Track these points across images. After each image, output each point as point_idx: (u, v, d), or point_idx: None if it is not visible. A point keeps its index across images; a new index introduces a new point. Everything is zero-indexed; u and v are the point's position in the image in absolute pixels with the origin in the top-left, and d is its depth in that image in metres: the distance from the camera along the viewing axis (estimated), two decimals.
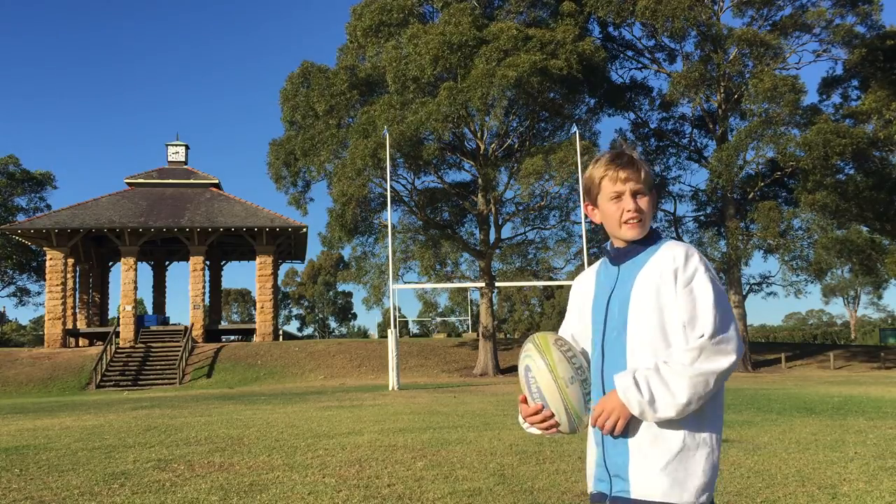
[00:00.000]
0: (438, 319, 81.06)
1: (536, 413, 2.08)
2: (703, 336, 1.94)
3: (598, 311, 2.17)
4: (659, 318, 2.03)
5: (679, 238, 37.02)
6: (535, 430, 2.14)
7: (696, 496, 1.95)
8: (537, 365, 2.08)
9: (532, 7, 32.81)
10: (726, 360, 1.93)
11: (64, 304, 37.38)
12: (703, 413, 1.99)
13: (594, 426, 2.05)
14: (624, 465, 2.01)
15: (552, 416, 2.06)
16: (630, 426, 2.00)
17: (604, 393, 2.06)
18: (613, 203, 2.17)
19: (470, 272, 36.45)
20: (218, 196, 41.47)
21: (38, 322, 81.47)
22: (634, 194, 2.15)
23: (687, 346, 1.96)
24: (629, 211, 2.14)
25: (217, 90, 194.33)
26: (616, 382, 1.99)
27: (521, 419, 2.15)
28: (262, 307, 39.00)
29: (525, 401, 2.12)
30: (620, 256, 2.18)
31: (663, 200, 37.09)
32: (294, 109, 32.98)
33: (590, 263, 32.88)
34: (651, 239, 2.16)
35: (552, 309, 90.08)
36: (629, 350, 2.05)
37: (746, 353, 33.58)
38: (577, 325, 2.27)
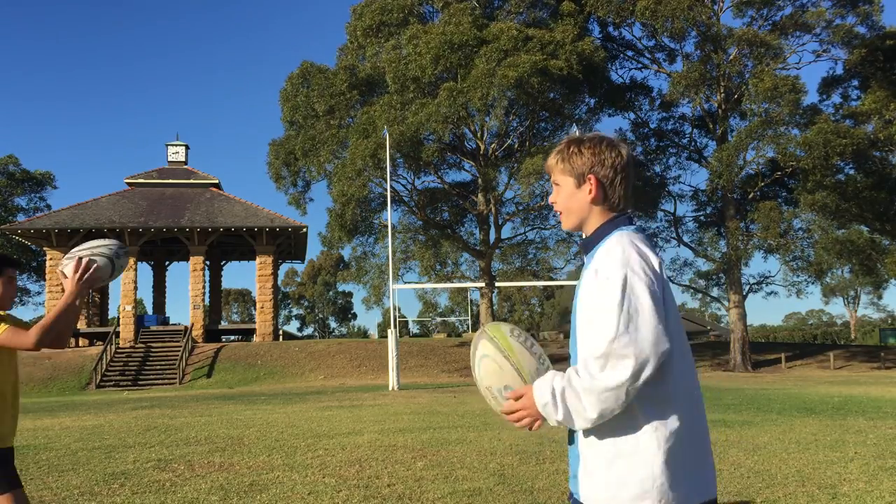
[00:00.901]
0: (438, 319, 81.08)
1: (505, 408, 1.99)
2: (603, 343, 1.82)
3: (574, 309, 2.07)
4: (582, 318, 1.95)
5: (679, 238, 37.04)
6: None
7: (630, 503, 1.83)
8: (495, 355, 2.01)
9: (532, 7, 32.82)
10: (627, 368, 1.78)
11: None
12: (634, 417, 1.85)
13: (504, 415, 1.97)
14: (576, 466, 1.97)
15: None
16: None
17: None
18: None
19: (470, 272, 36.47)
20: (218, 196, 41.48)
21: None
22: (556, 184, 2.07)
23: (592, 353, 1.85)
24: (552, 203, 2.09)
25: (217, 90, 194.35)
26: (535, 393, 1.89)
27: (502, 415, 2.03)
28: (262, 307, 39.01)
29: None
30: (584, 248, 2.05)
31: (663, 201, 37.05)
32: (294, 109, 32.99)
33: None
34: (605, 231, 1.99)
35: (552, 309, 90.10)
36: (577, 351, 1.97)
37: (746, 353, 33.57)
38: None
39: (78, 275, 3.07)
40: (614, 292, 1.83)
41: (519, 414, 1.93)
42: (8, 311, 3.32)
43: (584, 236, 2.06)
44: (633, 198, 2.03)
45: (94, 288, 3.23)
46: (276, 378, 31.88)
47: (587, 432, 1.91)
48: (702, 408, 1.96)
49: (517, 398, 1.94)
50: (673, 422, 1.85)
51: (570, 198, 2.03)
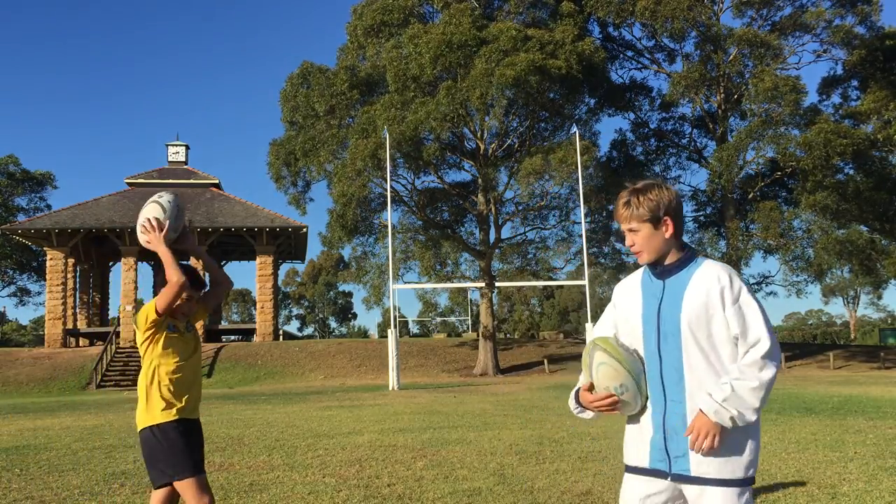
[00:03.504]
0: (438, 319, 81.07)
1: (604, 399, 2.46)
2: (760, 348, 2.35)
3: (648, 321, 2.49)
4: (707, 329, 2.39)
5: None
6: (589, 414, 2.58)
7: (745, 471, 2.37)
8: (611, 362, 2.45)
9: (532, 7, 32.80)
10: (776, 367, 2.37)
11: (64, 303, 37.39)
12: None
13: (692, 449, 2.40)
14: (685, 450, 2.40)
15: (618, 400, 2.45)
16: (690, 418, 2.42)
17: (664, 393, 2.45)
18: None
19: (470, 272, 36.47)
20: (218, 196, 41.48)
21: (39, 322, 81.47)
22: (631, 230, 2.50)
23: (748, 358, 2.36)
24: (629, 246, 2.54)
25: (217, 90, 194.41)
26: (705, 409, 2.36)
27: (572, 404, 2.59)
28: (263, 307, 39.01)
29: (589, 389, 2.51)
30: (664, 273, 2.49)
31: None
32: (294, 110, 32.98)
33: (589, 263, 32.92)
34: (688, 258, 2.48)
35: (552, 309, 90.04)
36: (684, 354, 2.41)
37: None
38: (619, 329, 2.61)
39: (151, 235, 3.40)
40: (756, 306, 2.37)
41: (701, 436, 2.37)
42: (176, 320, 3.64)
43: (660, 265, 2.51)
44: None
45: (173, 237, 3.53)
46: (276, 378, 31.89)
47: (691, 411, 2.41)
48: None
49: (692, 427, 2.40)
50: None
51: (650, 239, 2.47)
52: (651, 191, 2.45)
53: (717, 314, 2.39)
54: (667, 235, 2.45)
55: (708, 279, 2.41)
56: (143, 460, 3.47)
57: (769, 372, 2.34)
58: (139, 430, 3.45)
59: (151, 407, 3.41)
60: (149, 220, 3.43)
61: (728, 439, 2.36)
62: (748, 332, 2.36)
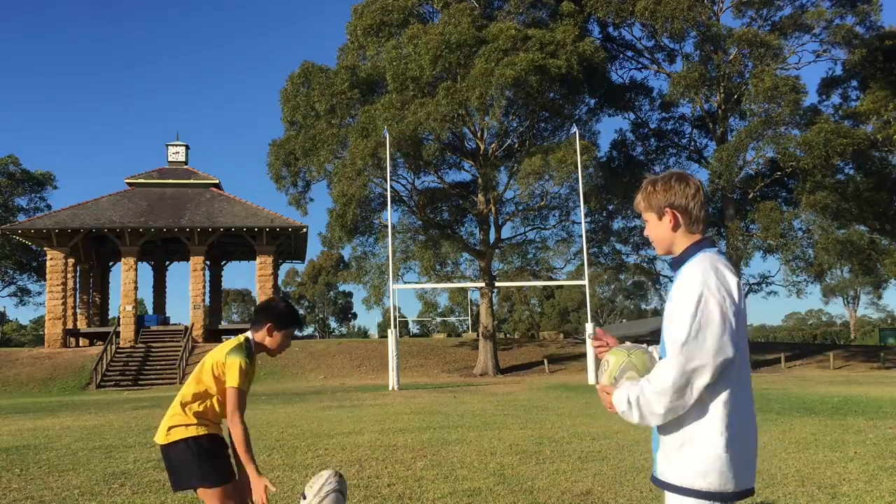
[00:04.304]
0: (438, 319, 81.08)
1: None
2: (674, 344, 2.21)
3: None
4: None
5: None
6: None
7: (694, 479, 2.23)
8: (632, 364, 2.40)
9: (532, 7, 32.79)
10: (688, 370, 2.18)
11: (64, 304, 37.39)
12: (703, 409, 2.25)
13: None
14: (655, 450, 2.39)
15: None
16: None
17: None
18: None
19: (470, 272, 36.47)
20: (218, 196, 41.48)
21: (39, 322, 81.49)
22: (646, 221, 2.49)
23: (665, 358, 2.23)
24: (647, 235, 2.53)
25: (217, 90, 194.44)
26: (615, 401, 2.31)
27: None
28: None
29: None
30: (673, 266, 2.46)
31: None
32: (294, 109, 32.98)
33: (590, 263, 32.90)
34: (689, 252, 2.39)
35: (552, 309, 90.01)
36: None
37: None
38: None
39: None
40: (689, 305, 2.22)
41: (606, 402, 2.37)
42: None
43: (672, 258, 2.47)
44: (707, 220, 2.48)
45: None
46: (276, 378, 31.89)
47: (667, 423, 2.29)
48: (753, 410, 2.36)
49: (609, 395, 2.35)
50: (732, 416, 2.25)
51: (655, 229, 2.44)
52: (662, 182, 2.44)
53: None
54: (669, 227, 2.41)
55: (681, 273, 2.33)
56: (176, 472, 3.49)
57: (672, 377, 2.19)
58: (174, 441, 3.45)
59: (190, 420, 3.46)
60: None
61: (684, 444, 2.26)
62: (670, 328, 2.25)
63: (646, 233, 2.51)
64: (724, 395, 2.25)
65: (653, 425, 2.30)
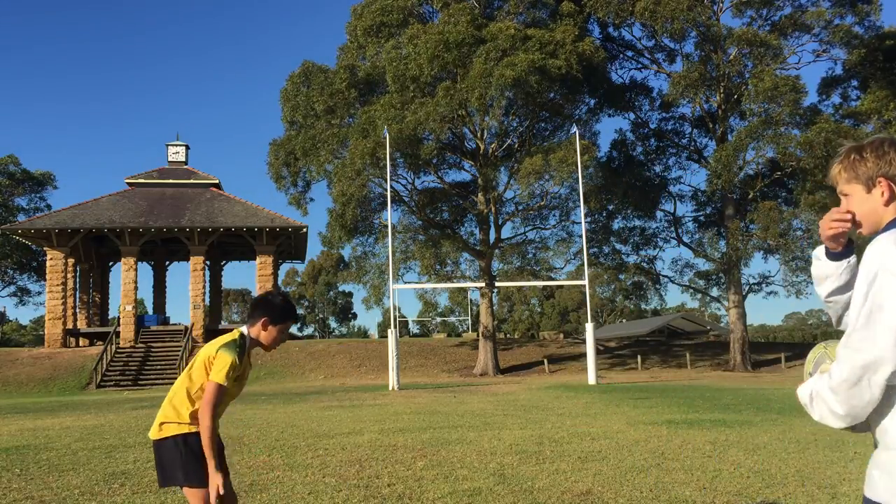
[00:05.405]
0: (438, 319, 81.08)
1: None
2: (846, 334, 1.91)
3: None
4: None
5: (679, 239, 37.04)
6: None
7: (890, 496, 1.88)
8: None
9: (531, 7, 32.79)
10: (858, 363, 1.84)
11: (64, 303, 37.38)
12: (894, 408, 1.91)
13: None
14: (870, 467, 2.06)
15: None
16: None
17: None
18: None
19: (470, 272, 36.49)
20: (218, 196, 41.48)
21: (39, 322, 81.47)
22: (843, 194, 2.07)
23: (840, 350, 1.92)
24: (844, 213, 2.04)
25: (217, 90, 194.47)
26: (799, 394, 2.02)
27: None
28: None
29: None
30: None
31: (663, 201, 37.06)
32: (294, 109, 32.99)
33: (590, 263, 32.90)
34: (883, 230, 2.00)
35: (552, 309, 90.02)
36: None
37: (746, 353, 33.56)
38: None
39: None
40: (861, 286, 1.88)
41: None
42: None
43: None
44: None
45: None
46: (276, 378, 31.89)
47: (882, 433, 1.97)
48: None
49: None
50: None
51: (863, 203, 2.01)
52: (871, 148, 2.02)
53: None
54: (882, 201, 1.98)
55: (866, 258, 1.92)
56: (163, 468, 3.47)
57: (843, 371, 1.87)
58: (164, 437, 3.44)
59: (182, 418, 3.43)
60: None
61: (886, 452, 1.99)
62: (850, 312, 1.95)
63: (845, 208, 2.04)
64: None
65: (836, 427, 1.97)
